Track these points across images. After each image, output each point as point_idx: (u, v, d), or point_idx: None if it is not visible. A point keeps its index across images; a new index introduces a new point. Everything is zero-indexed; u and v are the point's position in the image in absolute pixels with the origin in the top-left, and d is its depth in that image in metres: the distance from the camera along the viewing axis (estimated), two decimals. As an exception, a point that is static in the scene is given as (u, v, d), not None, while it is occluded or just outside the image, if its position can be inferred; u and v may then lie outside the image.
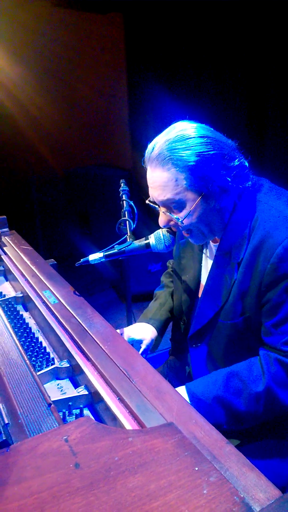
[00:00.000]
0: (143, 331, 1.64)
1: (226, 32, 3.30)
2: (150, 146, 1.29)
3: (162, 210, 1.35)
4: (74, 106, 4.34)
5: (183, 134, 1.24)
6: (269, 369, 1.28)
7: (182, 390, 1.35)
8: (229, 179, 1.26)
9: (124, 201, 1.97)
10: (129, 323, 2.59)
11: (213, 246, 1.48)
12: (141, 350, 1.60)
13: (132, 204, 1.93)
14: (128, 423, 0.95)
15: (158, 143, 1.26)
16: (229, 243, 1.36)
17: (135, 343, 1.60)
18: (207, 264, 1.53)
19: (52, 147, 4.36)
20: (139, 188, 1.52)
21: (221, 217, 1.35)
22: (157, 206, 1.37)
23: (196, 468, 0.75)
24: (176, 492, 0.70)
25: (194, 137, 1.24)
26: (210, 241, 1.49)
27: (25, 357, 1.18)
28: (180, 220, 1.31)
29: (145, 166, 1.33)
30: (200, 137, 1.24)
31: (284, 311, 1.25)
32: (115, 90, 4.44)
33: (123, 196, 2.02)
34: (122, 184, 2.16)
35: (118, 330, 1.54)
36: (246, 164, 1.33)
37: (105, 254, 1.48)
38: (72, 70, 4.26)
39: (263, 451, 1.36)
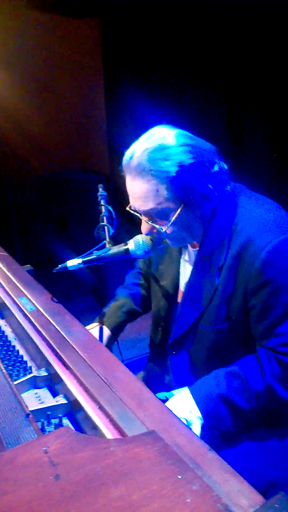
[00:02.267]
0: (96, 332, 1.66)
1: (205, 36, 3.33)
2: (128, 153, 1.28)
3: (144, 219, 1.35)
4: (51, 110, 4.30)
5: (162, 143, 1.23)
6: (268, 367, 1.29)
7: (186, 392, 1.34)
8: (210, 186, 1.27)
9: (103, 206, 1.95)
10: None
11: (192, 251, 1.48)
12: None
13: (111, 209, 1.92)
14: (109, 432, 0.94)
15: (136, 152, 1.25)
16: (209, 248, 1.36)
17: None
18: (185, 270, 1.53)
19: (28, 150, 4.31)
20: (118, 193, 1.51)
21: (202, 223, 1.35)
22: (138, 214, 1.37)
23: (179, 477, 0.74)
24: (159, 502, 0.69)
25: (173, 146, 1.23)
26: (189, 246, 1.49)
27: (1, 366, 1.15)
28: (163, 230, 1.30)
29: (123, 174, 1.31)
30: (180, 145, 1.23)
31: (274, 314, 1.26)
32: (92, 94, 4.42)
33: (101, 201, 2.00)
34: (100, 189, 2.14)
35: None
36: (226, 167, 1.34)
37: (83, 260, 1.46)
38: (49, 73, 4.22)
39: (244, 454, 1.37)
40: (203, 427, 1.29)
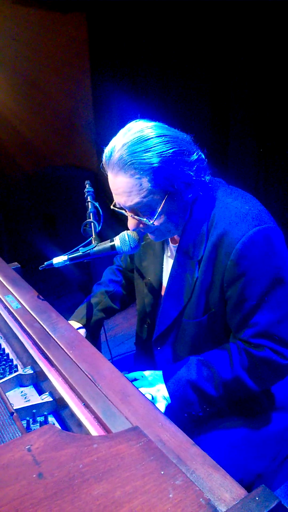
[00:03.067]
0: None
1: (191, 32, 3.33)
2: (107, 150, 1.27)
3: (129, 214, 1.34)
4: (38, 106, 4.26)
5: (141, 136, 1.22)
6: (237, 358, 1.32)
7: (158, 373, 1.39)
8: (192, 173, 1.27)
9: (89, 203, 1.94)
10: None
11: (172, 247, 1.49)
12: None
13: (98, 205, 1.91)
14: (93, 429, 0.94)
15: (116, 147, 1.24)
16: (188, 241, 1.37)
17: None
18: (167, 265, 1.54)
19: (15, 147, 4.26)
20: (104, 189, 1.50)
21: (184, 212, 1.36)
22: (123, 211, 1.36)
23: (162, 472, 0.75)
24: (142, 498, 0.70)
25: (152, 138, 1.23)
26: (170, 242, 1.50)
27: (-13, 364, 1.14)
28: (150, 222, 1.30)
29: (105, 171, 1.31)
30: (158, 136, 1.23)
31: (248, 306, 1.28)
32: (79, 90, 4.38)
33: (88, 197, 1.99)
34: (87, 185, 2.13)
35: None
36: (203, 156, 1.34)
37: (69, 257, 1.46)
38: (35, 69, 4.18)
39: (230, 448, 1.38)
40: (173, 410, 1.32)
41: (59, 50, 4.25)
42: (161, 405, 1.31)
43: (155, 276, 1.56)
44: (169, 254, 1.54)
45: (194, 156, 1.28)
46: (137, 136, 1.23)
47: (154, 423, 0.93)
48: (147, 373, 1.42)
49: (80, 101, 4.41)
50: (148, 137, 1.23)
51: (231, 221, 1.28)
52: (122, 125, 1.34)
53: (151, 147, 1.22)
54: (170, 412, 1.32)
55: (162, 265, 1.56)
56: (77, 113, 4.44)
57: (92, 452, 0.79)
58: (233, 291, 1.28)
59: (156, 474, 0.74)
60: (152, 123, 1.28)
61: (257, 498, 0.69)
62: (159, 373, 1.41)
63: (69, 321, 1.69)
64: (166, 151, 1.22)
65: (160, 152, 1.22)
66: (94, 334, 1.74)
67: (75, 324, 1.69)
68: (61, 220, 4.50)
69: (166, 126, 1.30)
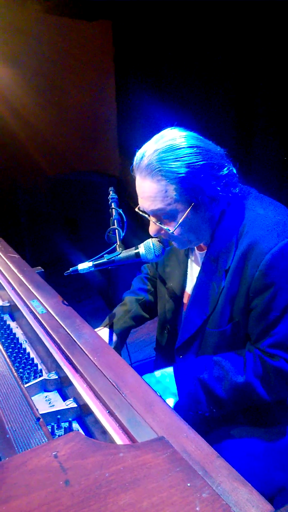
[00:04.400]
0: (101, 335, 1.65)
1: (215, 39, 3.33)
2: (138, 154, 1.29)
3: (152, 219, 1.35)
4: (62, 112, 4.33)
5: (172, 144, 1.23)
6: (251, 365, 1.32)
7: (169, 370, 1.42)
8: (219, 188, 1.27)
9: (113, 209, 1.96)
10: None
11: (198, 254, 1.49)
12: None
13: (121, 212, 1.92)
14: (118, 437, 0.94)
15: (147, 152, 1.26)
16: (217, 250, 1.36)
17: None
18: (192, 272, 1.54)
19: (40, 152, 4.34)
20: (128, 195, 1.51)
21: (209, 225, 1.36)
22: (146, 215, 1.37)
23: (188, 484, 0.74)
24: (168, 510, 0.69)
25: (183, 147, 1.23)
26: (196, 249, 1.50)
27: (13, 369, 1.16)
28: (170, 231, 1.31)
29: (134, 174, 1.32)
30: (190, 147, 1.24)
31: (272, 317, 1.28)
32: (103, 96, 4.44)
33: (112, 204, 2.01)
34: (111, 192, 2.15)
35: None
36: (235, 171, 1.34)
37: (94, 263, 1.47)
38: (61, 76, 4.25)
39: (250, 458, 1.37)
40: (180, 407, 1.34)
41: (85, 57, 4.32)
42: (170, 402, 1.33)
43: (178, 282, 1.57)
44: (193, 260, 1.53)
45: (224, 171, 1.28)
46: (168, 144, 1.25)
47: (179, 433, 0.93)
48: (157, 373, 1.43)
49: (104, 107, 4.46)
50: (179, 147, 1.24)
51: (261, 231, 1.28)
52: (146, 131, 1.35)
53: (181, 157, 1.23)
54: (177, 408, 1.33)
55: (186, 271, 1.56)
56: (101, 119, 4.50)
57: (118, 461, 0.79)
58: (259, 301, 1.28)
59: (183, 486, 0.74)
60: (186, 133, 1.28)
61: (285, 516, 0.68)
62: (170, 370, 1.43)
63: (99, 328, 1.71)
64: (195, 162, 1.23)
65: (189, 163, 1.23)
66: (122, 342, 1.75)
67: (105, 332, 1.69)
68: (83, 225, 4.54)
69: (201, 137, 1.31)
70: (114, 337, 1.70)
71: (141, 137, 1.37)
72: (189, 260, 1.56)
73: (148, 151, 1.26)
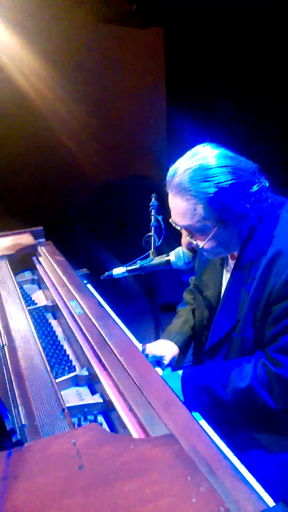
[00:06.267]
0: (165, 348, 1.68)
1: (270, 51, 3.30)
2: (171, 171, 1.35)
3: (183, 233, 1.42)
4: (114, 119, 4.48)
5: (203, 164, 1.28)
6: (255, 370, 1.35)
7: (178, 373, 1.48)
8: (248, 206, 1.30)
9: (152, 216, 2.04)
10: (157, 334, 2.65)
11: (231, 263, 1.53)
12: (163, 367, 1.65)
13: (160, 220, 2.00)
14: (135, 432, 1.02)
15: (179, 170, 1.31)
16: (247, 259, 1.40)
17: (156, 360, 1.65)
18: (227, 280, 1.58)
19: (95, 158, 4.50)
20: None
21: (239, 238, 1.40)
22: (179, 227, 1.44)
23: (189, 478, 0.80)
24: (167, 499, 0.76)
25: (213, 167, 1.27)
26: (229, 258, 1.54)
27: (47, 363, 1.27)
28: (200, 246, 1.36)
29: (166, 189, 1.39)
30: (220, 167, 1.27)
31: (284, 324, 1.31)
32: (154, 104, 4.54)
33: (152, 211, 2.10)
34: (152, 199, 2.23)
35: (140, 345, 1.62)
36: (267, 184, 1.36)
37: (127, 269, 1.56)
38: (113, 83, 4.41)
39: (272, 466, 1.38)
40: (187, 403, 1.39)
41: (137, 65, 4.44)
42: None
43: (214, 290, 1.61)
44: (227, 269, 1.58)
45: (255, 188, 1.31)
46: (199, 164, 1.29)
47: (191, 432, 0.98)
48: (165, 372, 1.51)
49: (154, 114, 4.56)
50: (210, 167, 1.28)
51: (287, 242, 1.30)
52: (194, 139, 1.40)
53: (211, 177, 1.27)
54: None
55: (221, 280, 1.60)
56: (151, 126, 4.60)
57: (128, 452, 0.87)
58: (277, 307, 1.32)
59: (183, 479, 0.80)
60: (218, 151, 1.32)
61: (273, 513, 0.72)
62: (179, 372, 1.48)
63: (160, 339, 1.76)
64: (224, 182, 1.27)
65: (218, 183, 1.27)
66: (186, 352, 1.80)
67: (169, 344, 1.71)
68: (132, 229, 4.67)
69: (232, 154, 1.34)
70: (176, 350, 1.70)
71: (189, 144, 1.42)
72: (224, 269, 1.60)
73: (180, 169, 1.32)
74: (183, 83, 4.22)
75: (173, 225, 1.47)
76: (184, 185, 1.29)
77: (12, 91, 3.85)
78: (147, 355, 1.62)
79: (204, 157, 1.30)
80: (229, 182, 1.26)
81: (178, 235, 1.47)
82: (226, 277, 1.59)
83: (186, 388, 1.42)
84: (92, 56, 4.20)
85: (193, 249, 1.51)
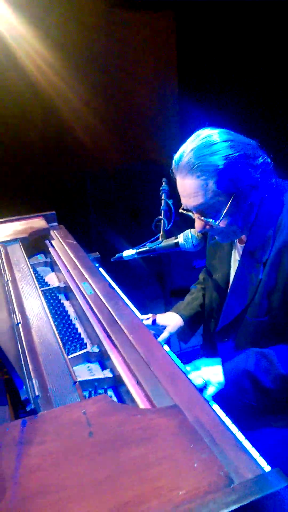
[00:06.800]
0: (169, 318, 1.79)
1: (282, 32, 3.25)
2: (177, 156, 1.37)
3: (196, 216, 1.43)
4: (126, 104, 4.47)
5: (208, 140, 1.32)
6: None
7: (217, 360, 1.48)
8: (258, 176, 1.33)
9: (163, 200, 2.07)
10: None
11: (239, 247, 1.55)
12: (163, 335, 1.75)
13: (171, 204, 2.02)
14: (142, 404, 1.07)
15: (185, 152, 1.34)
16: (254, 243, 1.42)
17: (159, 329, 1.76)
18: (235, 264, 1.61)
19: (108, 143, 4.51)
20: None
21: (251, 214, 1.41)
22: (191, 213, 1.46)
23: (191, 446, 0.85)
24: (170, 464, 0.81)
25: (218, 142, 1.31)
26: (237, 242, 1.56)
27: (59, 340, 1.33)
28: (216, 223, 1.38)
29: (174, 176, 1.41)
30: (224, 141, 1.31)
31: None
32: (165, 88, 4.51)
33: (163, 195, 2.12)
34: (163, 183, 2.25)
35: (150, 314, 1.74)
36: (269, 160, 1.39)
37: (137, 251, 1.60)
38: (126, 68, 4.38)
39: (274, 441, 1.43)
40: (227, 396, 1.40)
41: (148, 48, 4.40)
42: (212, 389, 1.40)
43: (222, 274, 1.64)
44: (236, 253, 1.61)
45: (260, 160, 1.35)
46: (204, 141, 1.33)
47: (196, 404, 1.04)
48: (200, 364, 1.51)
49: (166, 99, 4.53)
50: (215, 142, 1.32)
51: None
52: (206, 123, 1.43)
53: (217, 151, 1.31)
54: (223, 397, 1.40)
55: (230, 263, 1.63)
56: (163, 110, 4.58)
57: (135, 421, 0.92)
58: None
59: (186, 446, 0.85)
60: (218, 129, 1.36)
61: (269, 478, 0.76)
62: (213, 360, 1.49)
63: (169, 313, 1.84)
64: (231, 154, 1.30)
65: (226, 155, 1.30)
66: (193, 327, 1.87)
67: (174, 316, 1.82)
68: (145, 214, 4.69)
69: (232, 132, 1.38)
70: (180, 322, 1.81)
71: (201, 128, 1.44)
72: (232, 252, 1.63)
73: (186, 150, 1.35)
74: (195, 67, 4.17)
75: (184, 212, 1.49)
76: (193, 163, 1.32)
77: (24, 78, 3.87)
78: (154, 322, 1.73)
79: (207, 135, 1.34)
80: (236, 154, 1.30)
81: (188, 219, 1.49)
82: (234, 261, 1.62)
83: (228, 376, 1.42)
84: (103, 41, 4.18)
85: (203, 233, 1.53)
